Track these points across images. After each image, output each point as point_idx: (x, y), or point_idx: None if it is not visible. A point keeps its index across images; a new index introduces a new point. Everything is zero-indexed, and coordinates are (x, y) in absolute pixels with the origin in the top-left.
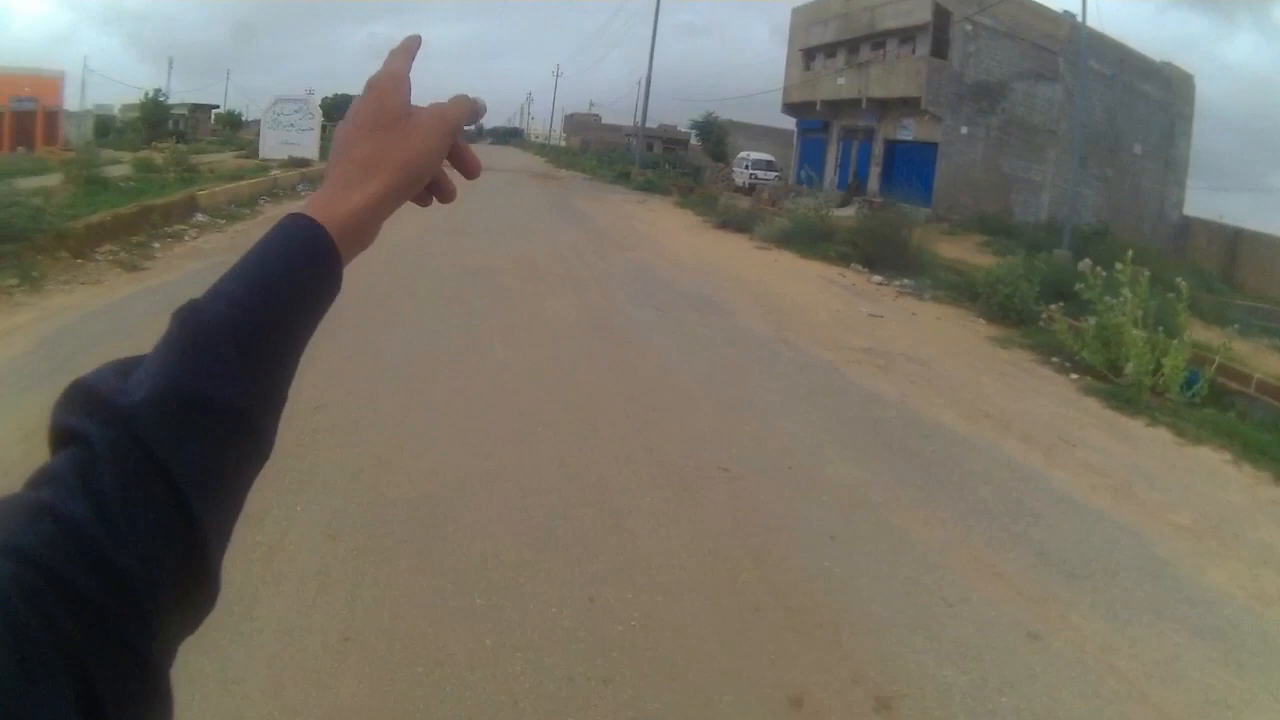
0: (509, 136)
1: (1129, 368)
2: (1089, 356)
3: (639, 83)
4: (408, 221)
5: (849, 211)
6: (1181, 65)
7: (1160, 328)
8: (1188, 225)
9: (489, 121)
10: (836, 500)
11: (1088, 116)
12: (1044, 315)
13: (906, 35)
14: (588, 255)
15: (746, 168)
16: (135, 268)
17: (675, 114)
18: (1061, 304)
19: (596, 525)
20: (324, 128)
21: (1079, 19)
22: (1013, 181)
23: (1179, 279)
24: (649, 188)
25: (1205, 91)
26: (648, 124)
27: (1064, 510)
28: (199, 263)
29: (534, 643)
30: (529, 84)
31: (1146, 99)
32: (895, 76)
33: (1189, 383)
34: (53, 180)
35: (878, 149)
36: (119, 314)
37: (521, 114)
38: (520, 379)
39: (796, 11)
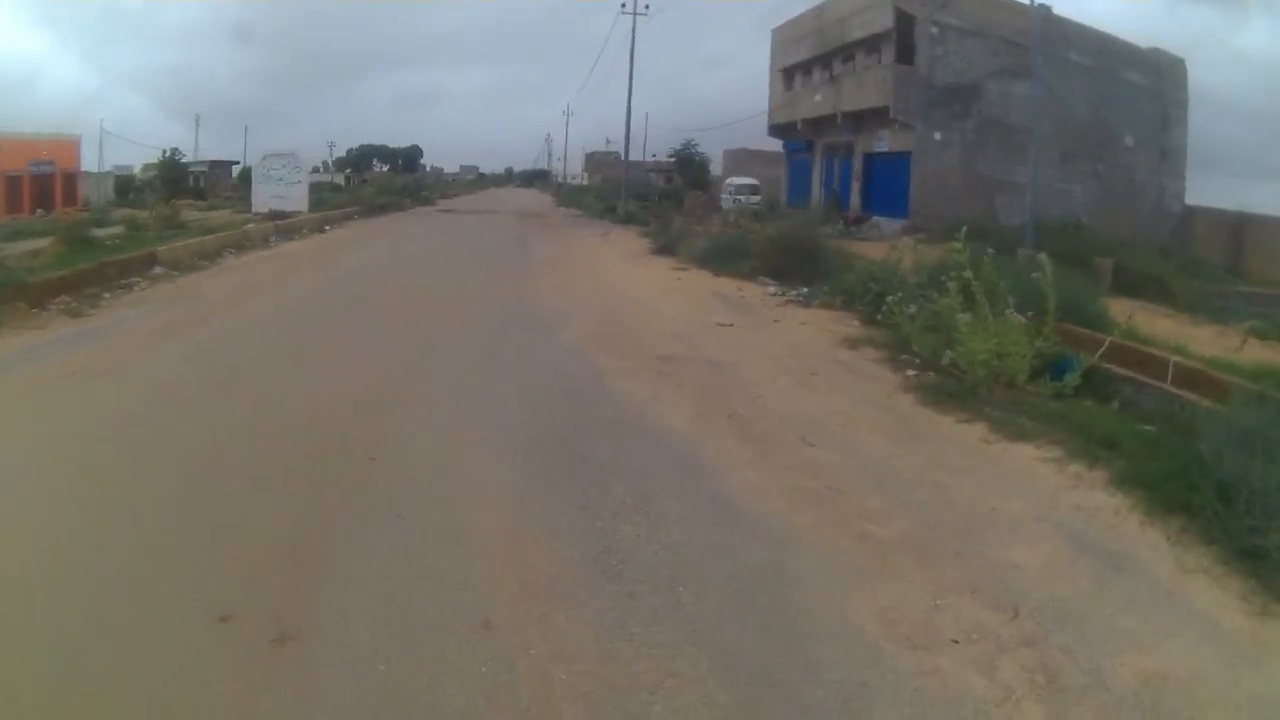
0: (534, 179)
1: (947, 355)
2: (918, 347)
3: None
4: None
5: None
6: (1170, 50)
7: (1030, 313)
8: (1189, 215)
9: (518, 165)
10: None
11: (1070, 110)
12: (883, 309)
13: (873, 44)
14: (485, 286)
15: (731, 193)
16: (79, 315)
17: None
18: (901, 295)
19: None
20: (348, 178)
21: (1051, 10)
22: (994, 185)
23: (1040, 255)
24: (628, 220)
25: (1225, 81)
26: (664, 157)
27: (711, 510)
28: (135, 309)
29: None
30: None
31: (1134, 88)
32: (864, 88)
33: (1059, 371)
34: (47, 241)
35: (857, 164)
36: (44, 348)
37: (546, 156)
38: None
39: (776, 31)
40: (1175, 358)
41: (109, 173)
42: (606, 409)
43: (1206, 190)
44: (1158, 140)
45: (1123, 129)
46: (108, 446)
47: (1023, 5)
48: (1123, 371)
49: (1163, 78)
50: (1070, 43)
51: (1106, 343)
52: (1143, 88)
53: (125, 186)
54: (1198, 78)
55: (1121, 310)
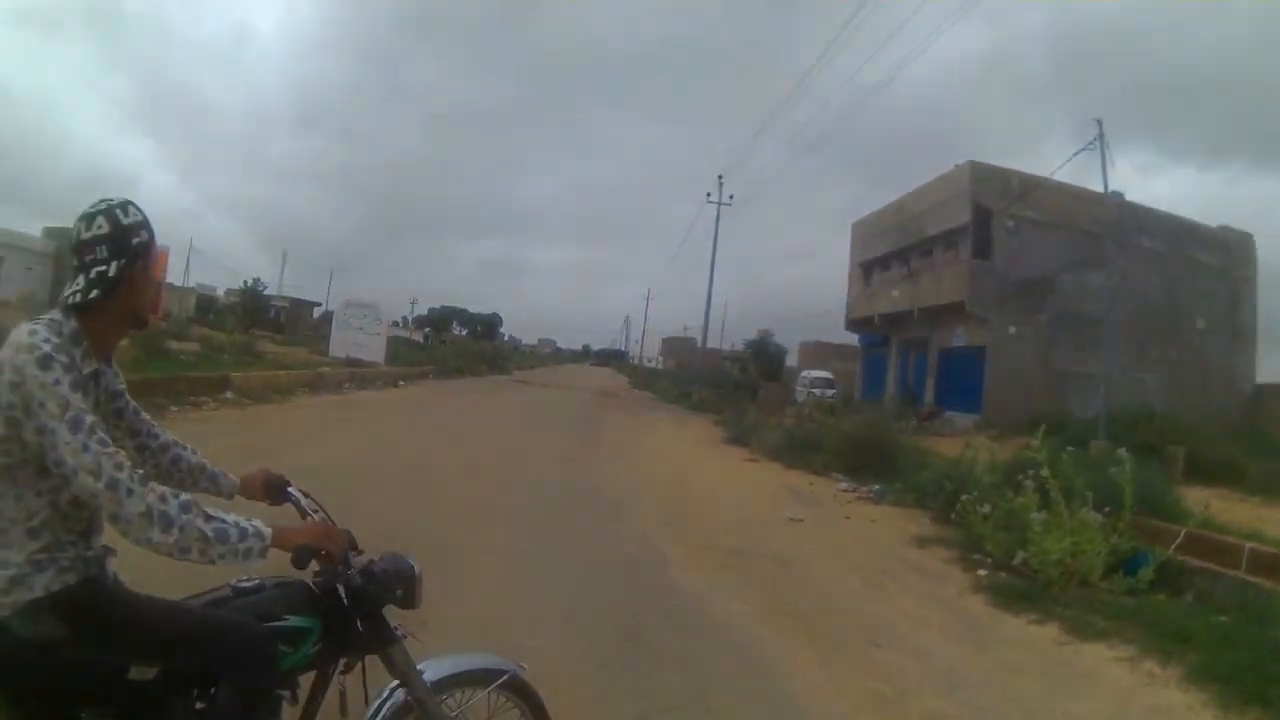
0: (611, 358)
1: (1019, 556)
2: (991, 547)
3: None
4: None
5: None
6: (1238, 227)
7: (1107, 509)
8: (1260, 394)
9: (595, 343)
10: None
11: (1143, 298)
12: (956, 508)
13: (950, 239)
14: (552, 463)
15: (806, 385)
16: None
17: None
18: (976, 494)
19: None
20: (427, 336)
21: (1124, 197)
22: (1067, 377)
23: (1120, 451)
24: (702, 408)
25: None
26: (740, 345)
27: (772, 711)
28: (200, 428)
29: None
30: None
31: (1205, 268)
32: (941, 283)
33: (1133, 566)
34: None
35: (932, 359)
36: None
37: (624, 337)
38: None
39: (856, 225)
40: (1250, 544)
41: (192, 289)
42: (669, 597)
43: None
44: (1228, 320)
45: (1194, 311)
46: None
47: (1096, 194)
48: (1196, 562)
49: (1232, 255)
50: (1142, 228)
51: (1181, 534)
52: (1213, 267)
53: (206, 306)
54: (1266, 250)
55: (1196, 499)
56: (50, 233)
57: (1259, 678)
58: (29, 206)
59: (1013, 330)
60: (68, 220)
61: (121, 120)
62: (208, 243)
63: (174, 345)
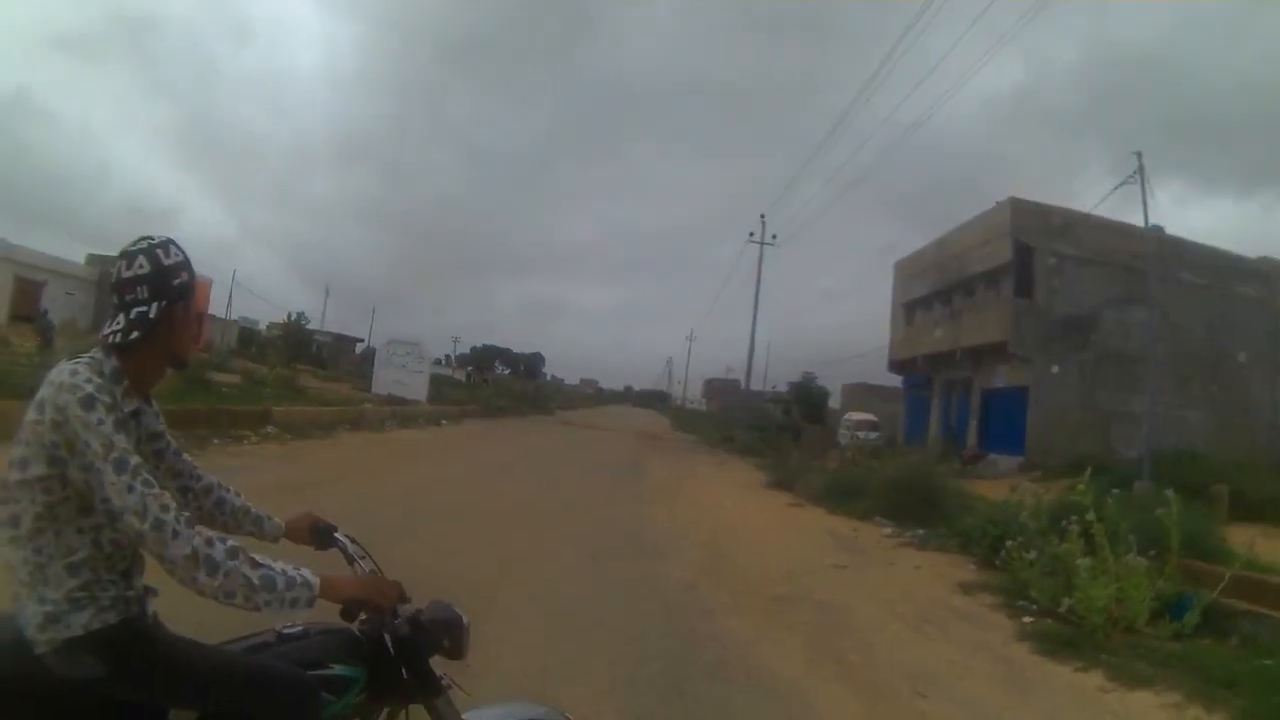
0: (653, 399)
1: (1065, 603)
2: (1037, 594)
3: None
4: (469, 448)
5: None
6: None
7: (1152, 552)
8: None
9: (637, 384)
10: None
11: (1184, 333)
12: (1001, 553)
13: (992, 277)
14: (594, 506)
15: (849, 428)
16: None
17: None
18: (1021, 540)
19: None
20: (469, 375)
21: (1164, 231)
22: (1110, 416)
23: (1168, 492)
24: (745, 451)
25: None
26: (782, 387)
27: None
28: (236, 461)
29: None
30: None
31: (1246, 301)
32: (983, 322)
33: (1179, 610)
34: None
35: (975, 400)
36: None
37: (666, 378)
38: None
39: (898, 266)
40: None
41: (235, 321)
42: (712, 647)
43: None
44: (1271, 353)
45: (1235, 345)
46: None
47: (1135, 228)
48: (1241, 605)
49: (1271, 286)
50: (1183, 262)
51: (1227, 577)
52: (1253, 300)
53: (248, 339)
54: None
55: (1240, 538)
56: (93, 259)
57: None
58: (72, 232)
59: (1055, 370)
60: (111, 247)
61: (165, 150)
62: (250, 276)
63: (216, 377)
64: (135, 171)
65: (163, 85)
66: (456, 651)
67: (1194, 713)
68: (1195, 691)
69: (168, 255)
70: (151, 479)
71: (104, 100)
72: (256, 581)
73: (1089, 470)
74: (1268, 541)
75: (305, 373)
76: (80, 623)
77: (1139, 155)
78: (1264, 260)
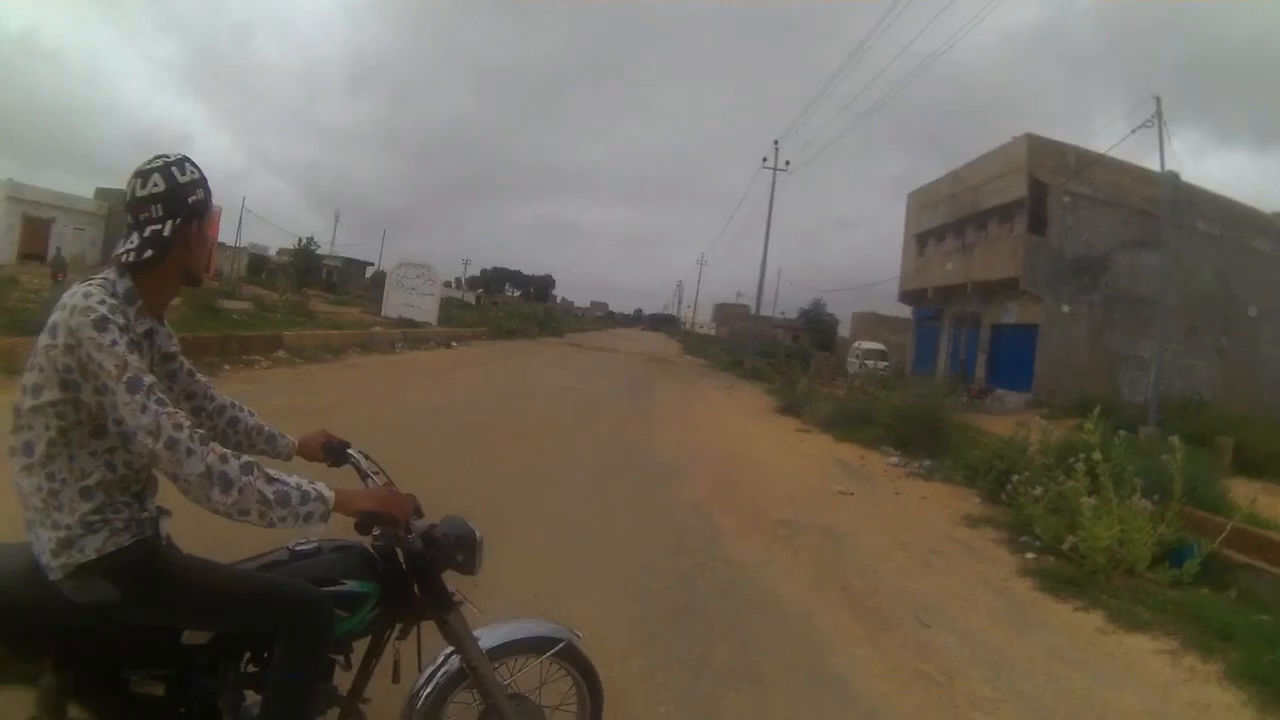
0: (663, 323)
1: (1068, 541)
2: (1041, 530)
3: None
4: (479, 369)
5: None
6: None
7: (1155, 496)
8: None
9: (648, 307)
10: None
11: (1196, 282)
12: (1007, 488)
13: (1006, 213)
14: (603, 427)
15: (858, 357)
16: None
17: (832, 306)
18: (1027, 475)
19: None
20: (479, 297)
21: (1179, 177)
22: (1119, 360)
23: (1172, 439)
24: (754, 376)
25: None
26: (792, 314)
27: (819, 685)
28: (248, 386)
29: None
30: (684, 271)
31: (1260, 256)
32: (995, 258)
33: (1179, 558)
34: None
35: (984, 334)
36: None
37: (676, 302)
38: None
39: (912, 196)
40: None
41: (244, 248)
42: (720, 568)
43: None
44: None
45: (1246, 298)
46: None
47: (1153, 173)
48: (1240, 557)
49: None
50: (1197, 211)
51: (1228, 528)
52: (1268, 255)
53: (258, 266)
54: None
55: (1243, 492)
56: (102, 193)
57: None
58: (81, 167)
59: (1066, 309)
60: (119, 180)
61: (173, 81)
62: (260, 203)
63: (226, 304)
64: (144, 105)
65: (169, 16)
66: (469, 566)
67: (1190, 661)
68: (1192, 640)
69: (183, 173)
70: (165, 398)
71: (109, 32)
72: (271, 497)
73: (1097, 409)
74: (1269, 498)
75: (316, 297)
76: (94, 546)
77: (1158, 99)
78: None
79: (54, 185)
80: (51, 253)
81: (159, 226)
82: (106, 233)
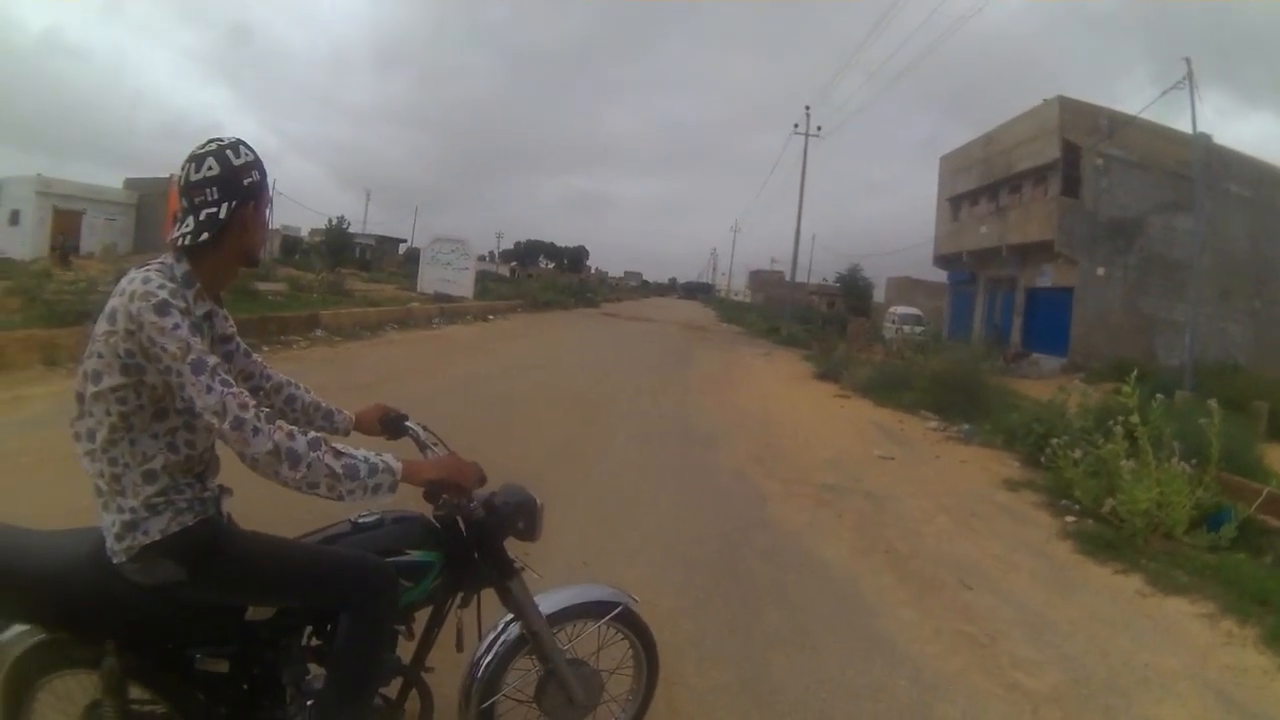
0: (697, 291)
1: (1108, 504)
2: (1080, 494)
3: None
4: (517, 342)
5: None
6: None
7: (1193, 460)
8: None
9: (682, 276)
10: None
11: (1229, 244)
12: (1046, 452)
13: (1039, 175)
14: (643, 395)
15: (894, 322)
16: None
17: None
18: (1066, 438)
19: None
20: (513, 270)
21: (1211, 139)
22: (1153, 323)
23: (1210, 402)
24: (790, 342)
25: None
26: (828, 280)
27: (865, 647)
28: (286, 366)
29: None
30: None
31: None
32: (1030, 220)
33: (1216, 522)
34: None
35: (1019, 298)
36: None
37: (711, 270)
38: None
39: (944, 159)
40: None
41: (277, 230)
42: (763, 533)
43: None
44: None
45: (1279, 261)
46: None
47: (1185, 135)
48: (1275, 523)
49: None
50: (1229, 173)
51: (1264, 493)
52: None
53: (291, 247)
54: None
55: (1278, 457)
56: (131, 183)
57: None
58: (110, 158)
59: (1101, 272)
60: (147, 170)
61: (199, 69)
62: (291, 185)
63: (261, 286)
64: (170, 94)
65: (195, 5)
66: (530, 533)
67: (1228, 625)
68: (1229, 605)
69: (237, 155)
70: (229, 379)
71: (134, 27)
72: (340, 470)
73: (1135, 373)
74: None
75: (351, 275)
76: (158, 528)
77: (1188, 61)
78: None
79: (84, 178)
80: (85, 245)
81: (215, 209)
82: (137, 221)
